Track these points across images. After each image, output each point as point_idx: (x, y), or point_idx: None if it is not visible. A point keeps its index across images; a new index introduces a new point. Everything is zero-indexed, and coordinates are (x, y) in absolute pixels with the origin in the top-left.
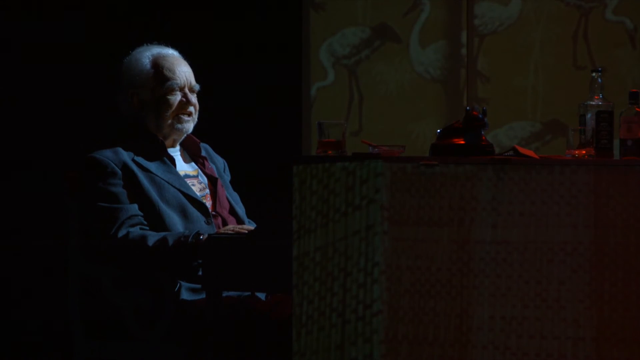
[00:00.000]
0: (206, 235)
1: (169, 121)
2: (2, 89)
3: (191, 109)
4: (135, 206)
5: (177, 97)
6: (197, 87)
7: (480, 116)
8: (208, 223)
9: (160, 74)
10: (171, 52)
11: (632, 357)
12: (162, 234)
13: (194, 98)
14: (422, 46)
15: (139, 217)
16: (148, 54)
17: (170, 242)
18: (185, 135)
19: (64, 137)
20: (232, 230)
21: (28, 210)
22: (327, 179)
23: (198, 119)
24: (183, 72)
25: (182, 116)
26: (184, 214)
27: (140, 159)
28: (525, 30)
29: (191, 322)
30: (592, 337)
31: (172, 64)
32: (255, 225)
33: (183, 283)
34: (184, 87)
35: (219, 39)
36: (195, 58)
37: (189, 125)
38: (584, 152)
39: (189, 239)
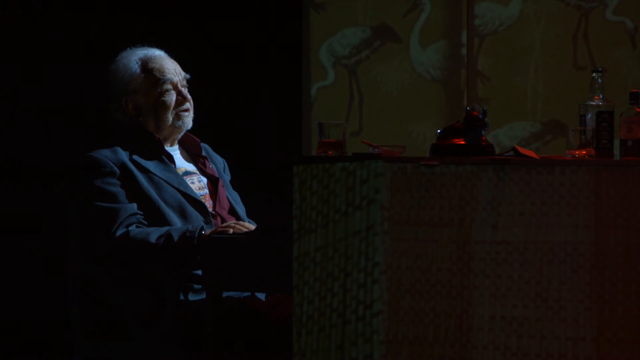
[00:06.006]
0: (208, 232)
1: (170, 121)
2: (2, 89)
3: (187, 105)
4: (134, 205)
5: (172, 97)
6: (187, 76)
7: (481, 116)
8: (207, 222)
9: (151, 76)
10: (158, 53)
11: (632, 357)
12: (165, 228)
13: (188, 93)
14: (422, 46)
15: (138, 215)
16: (135, 58)
17: (176, 237)
18: (185, 130)
19: (64, 137)
20: (232, 227)
21: (28, 210)
22: (327, 179)
23: (198, 119)
24: (172, 69)
25: (181, 113)
26: (182, 214)
27: (138, 159)
28: (525, 30)
29: (191, 322)
30: (592, 337)
31: (161, 64)
32: (255, 225)
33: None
34: (177, 84)
35: (219, 39)
36: (196, 58)
37: (188, 120)
38: (584, 152)
39: (195, 234)
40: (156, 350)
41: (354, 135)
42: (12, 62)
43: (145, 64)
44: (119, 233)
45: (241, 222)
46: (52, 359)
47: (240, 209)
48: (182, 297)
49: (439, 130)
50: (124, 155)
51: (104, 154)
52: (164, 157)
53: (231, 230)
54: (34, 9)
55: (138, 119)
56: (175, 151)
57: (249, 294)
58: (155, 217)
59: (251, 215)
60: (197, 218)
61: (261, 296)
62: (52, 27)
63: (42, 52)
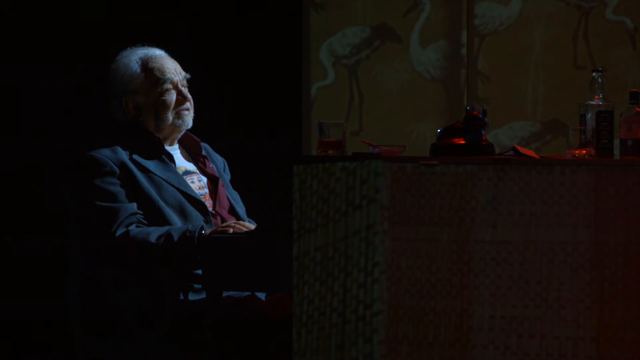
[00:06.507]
0: (208, 232)
1: (170, 120)
2: (2, 89)
3: (187, 104)
4: (134, 205)
5: (172, 96)
6: (188, 76)
7: (481, 116)
8: (207, 222)
9: (152, 76)
10: (158, 52)
11: (632, 357)
12: (165, 228)
13: (188, 93)
14: (422, 46)
15: (138, 215)
16: (135, 57)
17: (176, 237)
18: (185, 129)
19: (64, 137)
20: (232, 227)
21: (28, 210)
22: (327, 178)
23: (198, 118)
24: (173, 68)
25: (181, 112)
26: (182, 213)
27: (138, 158)
28: (525, 30)
29: (191, 322)
30: (592, 337)
31: (161, 64)
32: (255, 224)
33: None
34: (177, 83)
35: (219, 39)
36: (196, 58)
37: (189, 119)
38: (584, 152)
39: (195, 234)
40: (156, 350)
41: (354, 135)
42: (12, 62)
43: (146, 64)
44: (118, 233)
45: (241, 222)
46: (52, 359)
47: (240, 209)
48: (182, 297)
49: (439, 130)
50: (123, 154)
51: (104, 154)
52: (164, 156)
53: (231, 230)
54: (34, 9)
55: (138, 118)
56: (175, 150)
57: (249, 293)
58: (155, 216)
59: (251, 215)
60: (197, 217)
61: (261, 296)
62: (53, 26)
63: (42, 52)
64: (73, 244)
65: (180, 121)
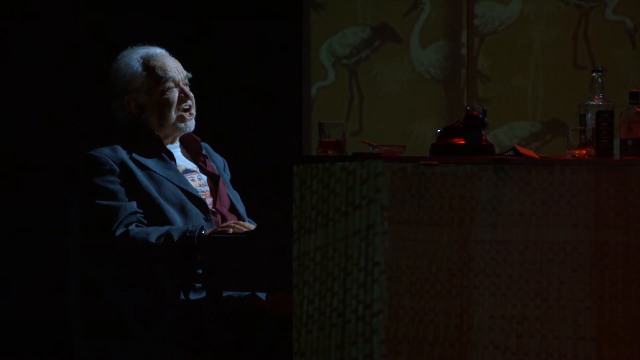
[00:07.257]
0: (208, 232)
1: (172, 120)
2: (1, 88)
3: (189, 102)
4: (134, 203)
5: (175, 94)
6: (189, 75)
7: (481, 116)
8: (207, 220)
9: (153, 74)
10: (159, 51)
11: (632, 357)
12: (165, 228)
13: (189, 91)
14: (422, 46)
15: (138, 214)
16: (136, 56)
17: (176, 237)
18: (188, 131)
19: (63, 137)
20: (231, 227)
21: (28, 210)
22: (327, 178)
23: (198, 118)
24: (174, 67)
25: (183, 114)
26: (182, 211)
27: (138, 157)
28: (525, 30)
29: (191, 322)
30: (592, 336)
31: (162, 62)
32: (255, 224)
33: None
34: (179, 82)
35: (219, 39)
36: (196, 58)
37: (191, 123)
38: (584, 152)
39: (195, 234)
40: (156, 350)
41: (354, 135)
42: (12, 61)
43: (147, 62)
44: (118, 232)
45: (241, 222)
46: (52, 359)
47: (241, 208)
48: (182, 297)
49: (439, 130)
50: (123, 153)
51: (104, 152)
52: (164, 154)
53: (231, 230)
54: (34, 9)
55: (140, 117)
56: (176, 149)
57: (249, 293)
58: (155, 214)
59: (251, 215)
60: (198, 215)
61: (261, 296)
62: (53, 26)
63: (42, 52)
64: (73, 244)
65: (182, 124)
